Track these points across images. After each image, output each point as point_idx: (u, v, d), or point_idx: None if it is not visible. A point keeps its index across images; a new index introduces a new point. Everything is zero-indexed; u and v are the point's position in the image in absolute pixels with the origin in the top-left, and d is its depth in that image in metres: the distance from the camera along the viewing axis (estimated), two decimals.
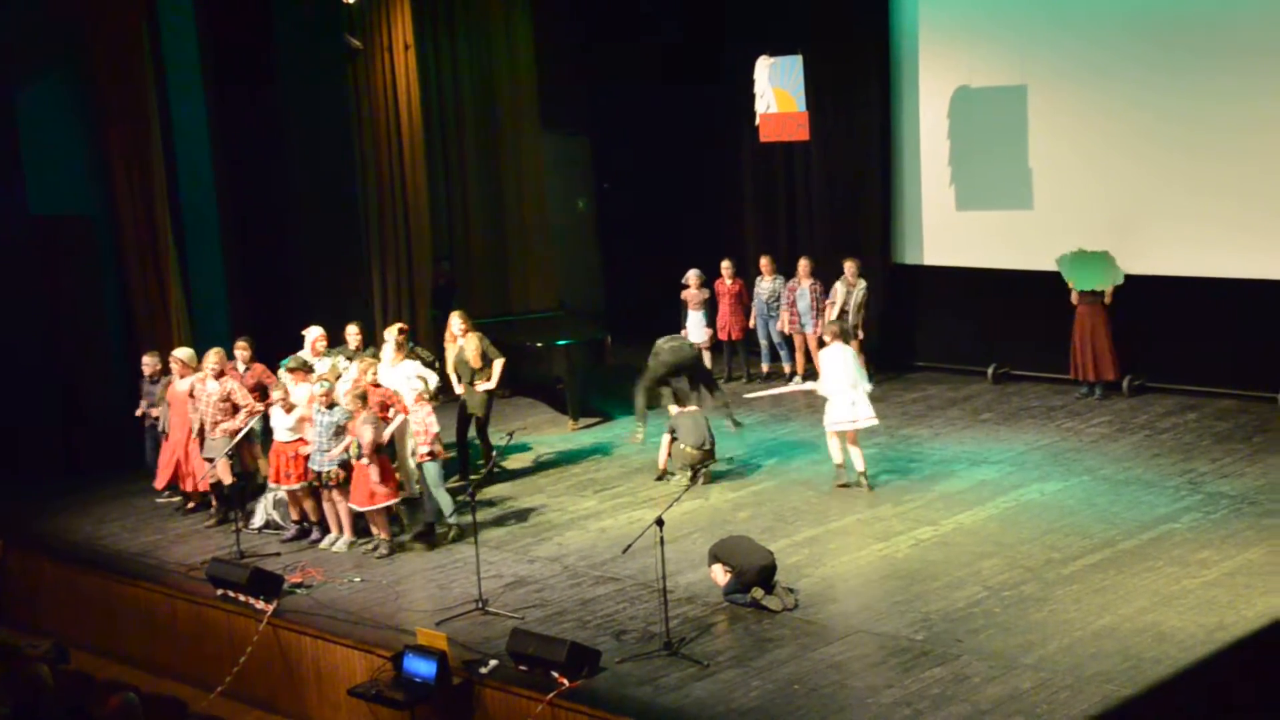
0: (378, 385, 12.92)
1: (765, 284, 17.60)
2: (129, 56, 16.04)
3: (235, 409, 13.25)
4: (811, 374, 17.46)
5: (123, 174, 16.14)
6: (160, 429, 14.09)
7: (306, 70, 17.14)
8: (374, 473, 12.15)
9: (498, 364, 14.36)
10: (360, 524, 12.69)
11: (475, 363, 14.29)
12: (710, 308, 17.81)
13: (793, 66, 16.82)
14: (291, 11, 17.00)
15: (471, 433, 14.50)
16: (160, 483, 14.10)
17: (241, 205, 17.28)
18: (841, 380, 13.19)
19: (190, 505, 14.06)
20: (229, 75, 17.06)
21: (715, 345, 17.89)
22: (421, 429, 12.42)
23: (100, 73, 16.07)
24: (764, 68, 17.06)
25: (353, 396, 12.35)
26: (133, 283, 16.27)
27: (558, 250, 20.62)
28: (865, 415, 13.22)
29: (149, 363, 14.42)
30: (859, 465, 13.28)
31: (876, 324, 17.45)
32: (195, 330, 16.39)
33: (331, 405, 12.46)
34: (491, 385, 14.35)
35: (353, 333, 14.47)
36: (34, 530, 14.06)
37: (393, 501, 12.43)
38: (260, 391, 13.66)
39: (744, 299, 17.84)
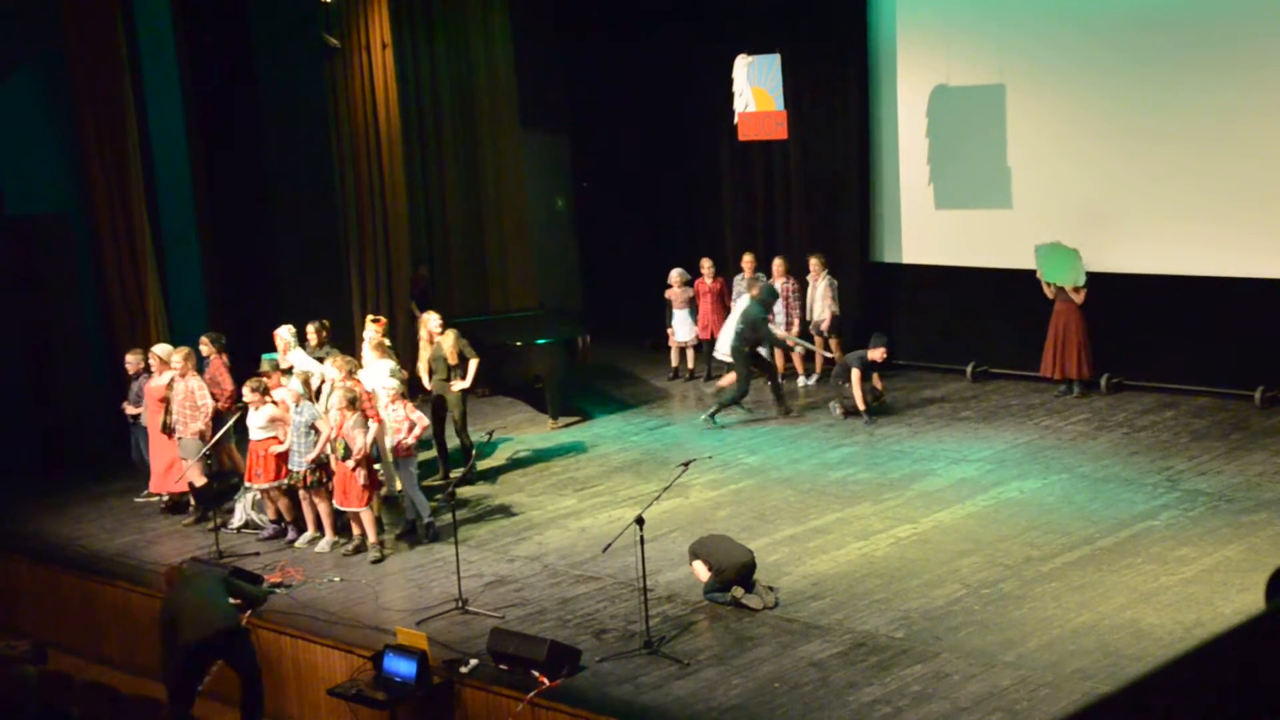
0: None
1: None
2: (105, 54, 15.94)
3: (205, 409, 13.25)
4: (790, 372, 17.53)
5: (99, 172, 16.04)
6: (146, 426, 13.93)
7: (284, 68, 17.07)
8: (361, 476, 12.11)
9: (473, 363, 14.35)
10: (341, 523, 12.67)
11: (452, 359, 14.28)
12: (694, 305, 17.80)
13: (771, 65, 16.85)
14: (269, 9, 16.94)
15: (449, 431, 14.50)
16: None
17: (219, 203, 17.22)
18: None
19: (165, 504, 13.98)
20: (206, 73, 17.01)
21: (696, 344, 17.90)
22: (403, 426, 12.40)
23: (75, 70, 15.98)
24: (742, 66, 17.09)
25: (342, 398, 12.29)
26: (110, 281, 16.18)
27: (537, 249, 20.59)
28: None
29: (132, 361, 14.24)
30: None
31: (855, 323, 17.42)
32: (174, 328, 16.32)
33: (301, 403, 12.45)
34: (466, 384, 14.34)
35: (311, 330, 14.37)
36: (12, 531, 13.99)
37: (373, 503, 12.40)
38: (219, 387, 13.63)
39: (725, 298, 17.80)
